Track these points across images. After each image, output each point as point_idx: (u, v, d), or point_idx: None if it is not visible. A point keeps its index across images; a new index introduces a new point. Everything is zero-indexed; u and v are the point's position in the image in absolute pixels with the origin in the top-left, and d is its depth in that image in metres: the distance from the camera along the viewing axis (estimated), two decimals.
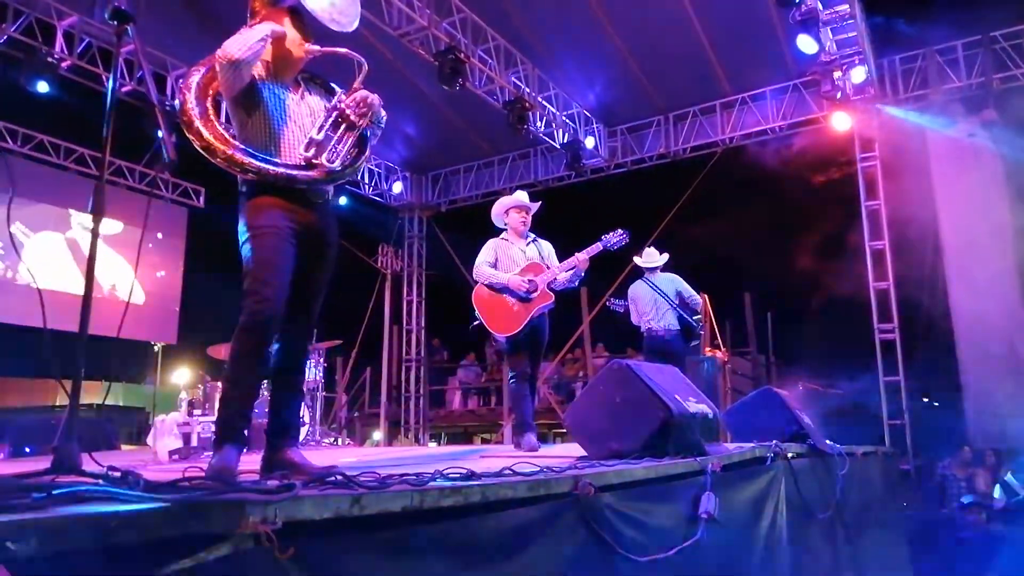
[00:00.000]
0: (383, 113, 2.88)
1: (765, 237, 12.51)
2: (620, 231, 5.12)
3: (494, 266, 4.88)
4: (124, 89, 8.41)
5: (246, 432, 2.55)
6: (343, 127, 2.71)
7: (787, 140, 10.47)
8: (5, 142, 10.09)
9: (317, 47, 2.80)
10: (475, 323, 4.83)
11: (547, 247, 5.05)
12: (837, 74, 8.74)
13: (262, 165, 2.56)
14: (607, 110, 11.12)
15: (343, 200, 12.13)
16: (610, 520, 2.27)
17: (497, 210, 5.12)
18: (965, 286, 8.84)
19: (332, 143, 2.68)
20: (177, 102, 2.55)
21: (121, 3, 2.34)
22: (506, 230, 5.07)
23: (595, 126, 11.22)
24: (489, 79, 9.17)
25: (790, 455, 4.05)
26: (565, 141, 10.69)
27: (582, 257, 4.87)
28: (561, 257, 4.97)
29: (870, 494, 5.51)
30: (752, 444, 3.99)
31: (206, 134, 2.55)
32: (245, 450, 2.54)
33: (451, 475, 2.03)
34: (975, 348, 8.65)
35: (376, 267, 12.95)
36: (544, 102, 10.11)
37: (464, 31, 8.65)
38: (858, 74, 8.86)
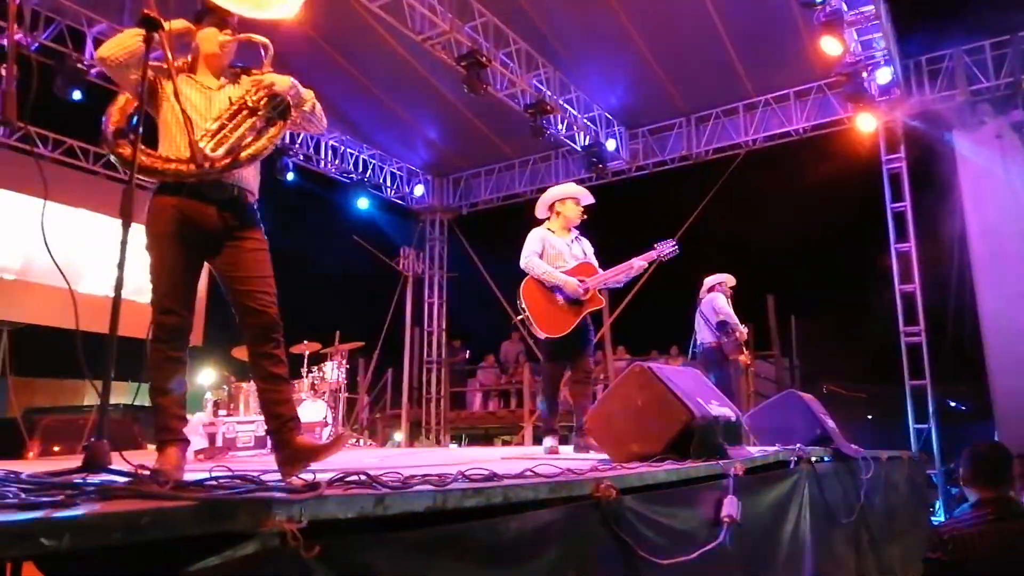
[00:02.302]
0: (306, 93, 2.80)
1: (789, 239, 12.41)
2: (672, 242, 4.96)
3: (540, 257, 4.69)
4: None
5: (184, 430, 2.66)
6: (242, 114, 2.65)
7: (811, 142, 10.38)
8: (36, 147, 10.28)
9: (229, 37, 2.79)
10: (519, 316, 4.63)
11: (589, 247, 4.92)
12: (862, 75, 8.65)
13: (145, 160, 2.50)
14: (629, 112, 11.08)
15: (365, 203, 12.23)
16: (631, 523, 2.27)
17: (548, 198, 4.92)
18: (993, 289, 8.69)
19: (224, 132, 2.60)
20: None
21: (150, 10, 2.38)
22: (551, 219, 4.88)
23: (616, 128, 11.20)
24: (510, 82, 9.18)
25: (813, 459, 4.02)
26: (586, 144, 10.68)
27: (639, 264, 4.72)
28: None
29: (895, 500, 5.44)
30: (775, 448, 3.97)
31: (106, 130, 2.59)
32: (189, 446, 2.67)
33: (473, 476, 2.04)
34: (1004, 351, 8.50)
35: (398, 269, 12.99)
36: (565, 105, 10.11)
37: (486, 35, 8.67)
38: (883, 75, 8.77)
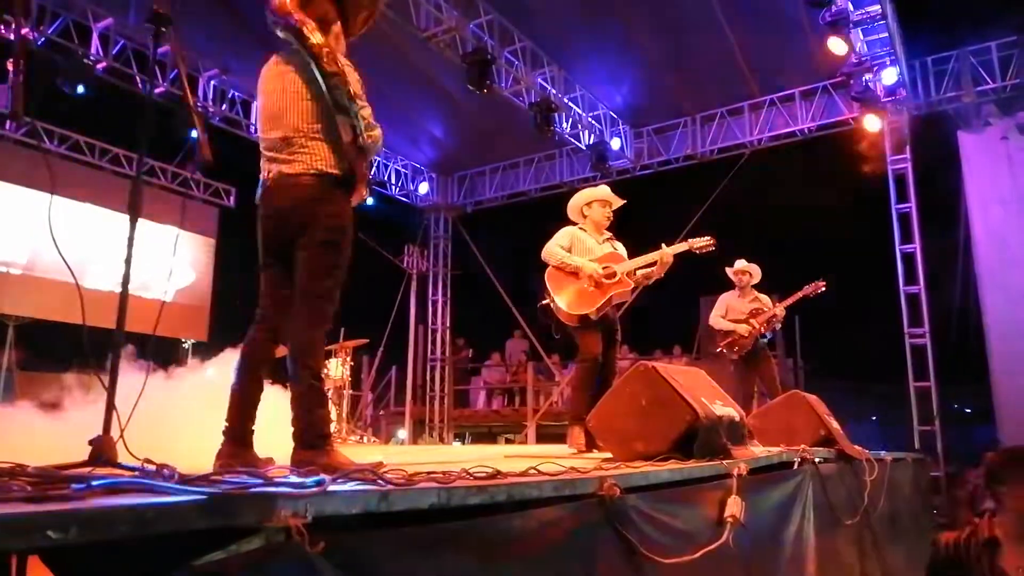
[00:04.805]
0: None
1: (793, 240, 12.38)
2: (708, 238, 4.91)
3: (567, 251, 4.66)
4: (157, 90, 8.54)
5: None
6: None
7: (816, 142, 10.36)
8: (42, 142, 10.30)
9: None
10: (543, 302, 4.59)
11: (622, 248, 4.85)
12: (868, 75, 8.63)
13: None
14: (633, 111, 11.08)
15: (370, 200, 12.24)
16: (635, 521, 2.27)
17: (577, 202, 4.90)
18: (998, 290, 8.67)
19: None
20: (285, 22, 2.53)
21: (159, 6, 2.39)
22: (582, 222, 4.84)
23: (621, 127, 11.19)
24: (515, 80, 9.18)
25: (817, 460, 4.01)
26: (591, 142, 10.67)
27: (666, 252, 4.60)
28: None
29: (899, 501, 5.43)
30: (779, 448, 3.96)
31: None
32: None
33: (477, 474, 2.04)
34: (1007, 352, 8.49)
35: (402, 267, 13.02)
36: (570, 103, 10.11)
37: (491, 33, 8.67)
38: (889, 75, 8.75)
